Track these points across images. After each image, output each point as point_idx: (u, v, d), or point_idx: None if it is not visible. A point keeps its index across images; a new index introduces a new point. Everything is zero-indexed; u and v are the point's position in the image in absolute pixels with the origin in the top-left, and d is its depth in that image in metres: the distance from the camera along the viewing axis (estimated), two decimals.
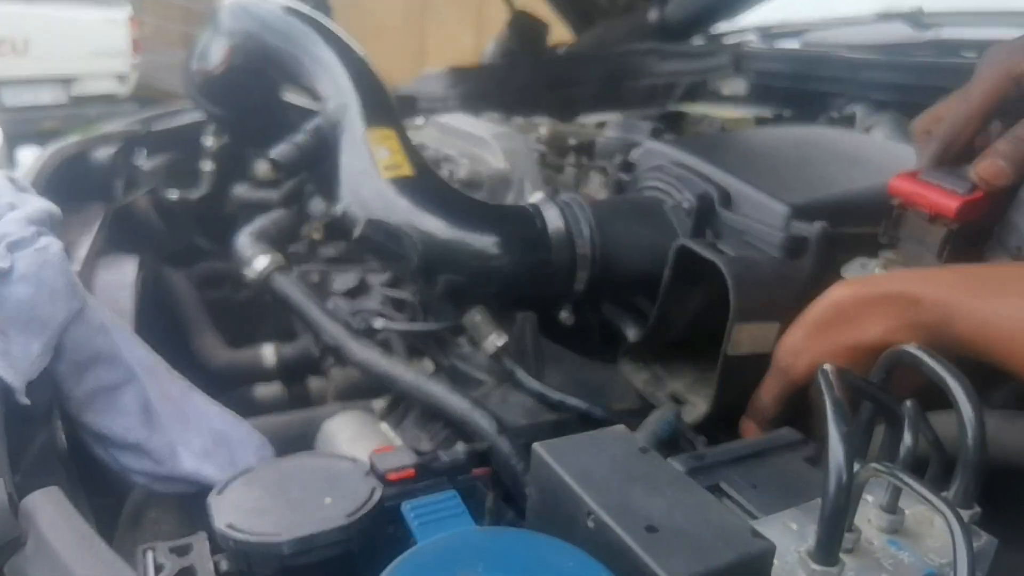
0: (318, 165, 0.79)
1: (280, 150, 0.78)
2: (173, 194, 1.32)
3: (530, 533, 0.37)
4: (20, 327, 0.50)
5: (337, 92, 0.79)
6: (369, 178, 0.70)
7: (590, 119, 1.13)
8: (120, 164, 1.10)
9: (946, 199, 0.52)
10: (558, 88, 1.50)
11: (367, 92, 0.79)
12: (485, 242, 0.65)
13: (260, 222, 1.04)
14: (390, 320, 0.79)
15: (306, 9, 0.89)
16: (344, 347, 0.74)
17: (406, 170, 0.70)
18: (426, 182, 0.71)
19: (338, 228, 0.77)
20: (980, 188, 0.52)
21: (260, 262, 0.88)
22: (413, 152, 0.74)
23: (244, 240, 0.94)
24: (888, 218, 0.58)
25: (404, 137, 0.75)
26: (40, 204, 0.61)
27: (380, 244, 0.64)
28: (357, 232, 0.64)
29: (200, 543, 0.41)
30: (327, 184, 0.78)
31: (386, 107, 0.79)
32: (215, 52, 0.94)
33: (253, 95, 1.01)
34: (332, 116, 0.77)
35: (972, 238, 0.55)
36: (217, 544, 0.40)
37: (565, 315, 0.70)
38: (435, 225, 0.66)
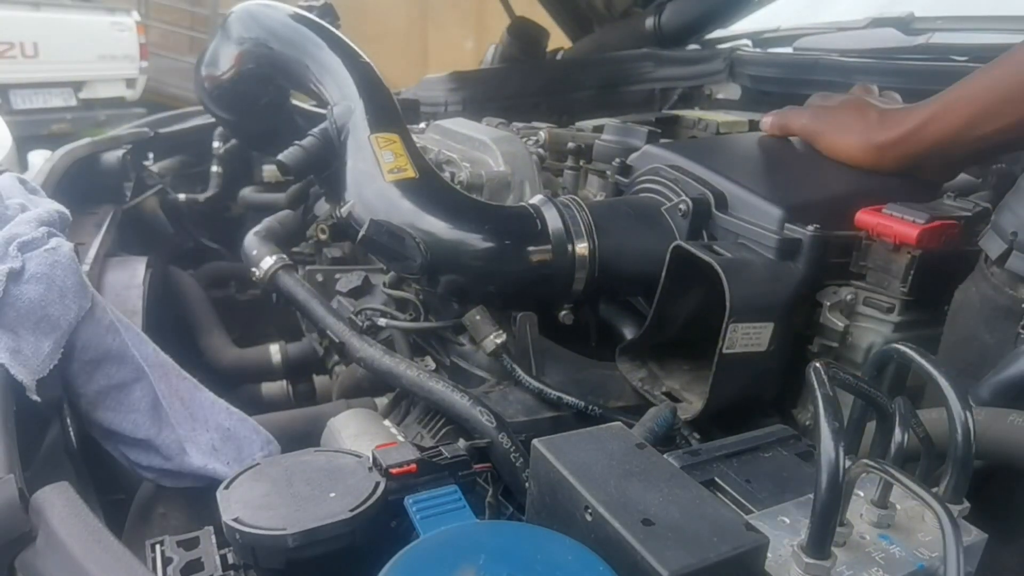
0: (324, 168, 0.80)
1: (287, 153, 0.79)
2: (181, 196, 1.34)
3: (529, 527, 0.38)
4: (31, 326, 0.51)
5: (343, 97, 0.80)
6: (373, 180, 0.72)
7: (588, 123, 1.13)
8: (129, 166, 1.11)
9: (907, 228, 0.57)
10: (557, 93, 1.50)
11: (372, 97, 0.80)
12: (486, 242, 0.66)
13: (267, 222, 1.05)
14: (393, 319, 0.80)
15: (313, 16, 0.90)
16: (348, 344, 0.75)
17: (410, 172, 0.71)
18: (429, 184, 0.72)
19: (343, 229, 0.78)
20: None
21: (267, 262, 0.89)
22: (416, 155, 0.75)
23: (251, 240, 0.95)
24: (856, 250, 0.61)
25: (408, 140, 0.76)
26: (50, 205, 0.62)
27: (384, 244, 0.65)
28: (362, 233, 0.65)
29: (207, 537, 0.42)
30: (333, 186, 0.79)
31: (390, 111, 0.80)
32: (224, 58, 0.96)
33: (261, 100, 1.02)
34: (338, 120, 0.79)
35: (937, 263, 0.57)
36: (224, 538, 0.41)
37: (564, 314, 0.71)
38: (437, 226, 0.67)
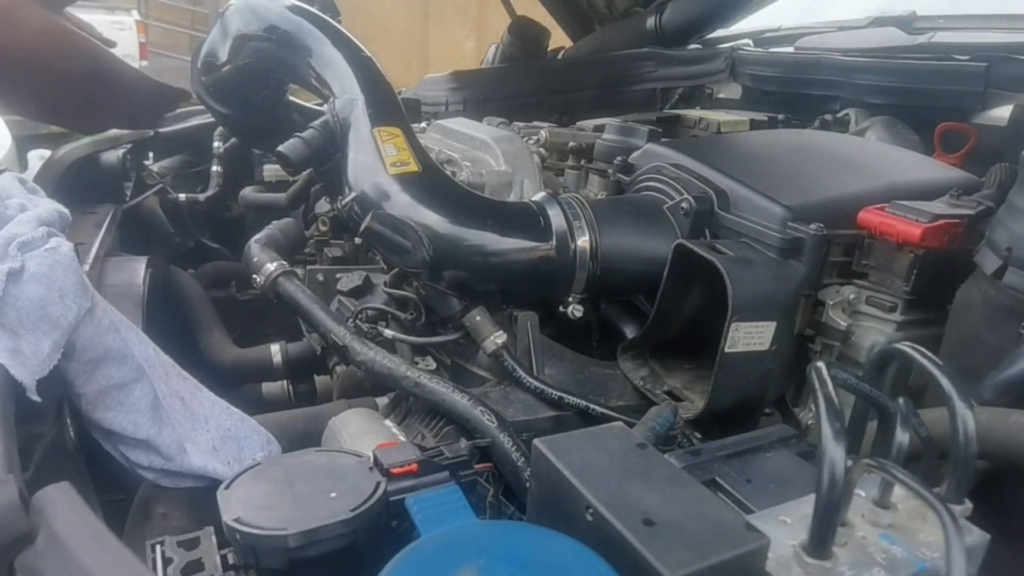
0: (325, 161, 0.79)
1: (288, 144, 0.78)
2: (181, 195, 1.34)
3: (530, 526, 0.38)
4: (31, 326, 0.51)
5: (344, 90, 0.80)
6: (375, 173, 0.71)
7: (589, 123, 1.13)
8: (129, 166, 1.11)
9: (910, 227, 0.57)
10: (558, 92, 1.51)
11: (374, 91, 0.79)
12: (489, 238, 0.66)
13: (268, 230, 1.04)
14: (398, 327, 0.80)
15: (313, 9, 0.90)
16: (350, 349, 0.74)
17: (412, 166, 0.71)
18: (432, 178, 0.72)
19: (344, 222, 0.78)
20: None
21: (267, 268, 0.89)
22: (419, 149, 0.74)
23: (252, 248, 0.95)
24: (859, 248, 0.61)
25: (410, 135, 0.76)
26: (50, 205, 0.62)
27: (386, 236, 0.65)
28: (365, 224, 0.65)
29: (207, 537, 0.42)
30: (333, 180, 0.78)
31: (393, 105, 0.80)
32: (222, 52, 0.95)
33: (258, 95, 1.01)
34: (339, 113, 0.78)
35: (939, 262, 0.57)
36: (225, 538, 0.41)
37: (573, 307, 0.70)
38: (440, 220, 0.66)
